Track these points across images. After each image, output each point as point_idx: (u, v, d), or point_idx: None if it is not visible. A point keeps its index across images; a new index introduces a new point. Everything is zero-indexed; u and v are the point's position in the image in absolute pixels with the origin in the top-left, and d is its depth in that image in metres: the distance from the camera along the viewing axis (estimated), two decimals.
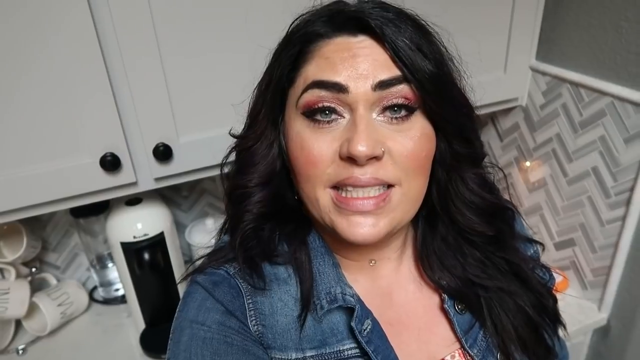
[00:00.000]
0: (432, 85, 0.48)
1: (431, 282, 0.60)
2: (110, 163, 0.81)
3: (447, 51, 0.53)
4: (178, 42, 0.81)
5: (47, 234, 1.19)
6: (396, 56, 0.47)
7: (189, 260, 1.24)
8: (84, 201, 0.86)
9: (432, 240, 0.60)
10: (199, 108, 0.87)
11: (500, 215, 0.60)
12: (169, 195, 1.26)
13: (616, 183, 1.03)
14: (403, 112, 0.49)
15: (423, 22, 0.51)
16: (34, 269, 1.16)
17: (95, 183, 0.83)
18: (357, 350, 0.54)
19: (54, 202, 0.83)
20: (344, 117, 0.49)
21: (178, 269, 1.10)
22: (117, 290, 1.23)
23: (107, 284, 1.23)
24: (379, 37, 0.48)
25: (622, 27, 0.97)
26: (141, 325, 1.11)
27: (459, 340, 0.58)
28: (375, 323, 0.55)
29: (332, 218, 0.50)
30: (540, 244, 0.67)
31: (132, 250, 1.02)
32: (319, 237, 0.58)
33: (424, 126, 0.50)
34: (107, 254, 1.22)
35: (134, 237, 1.01)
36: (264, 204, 0.55)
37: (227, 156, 0.60)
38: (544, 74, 1.14)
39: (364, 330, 0.54)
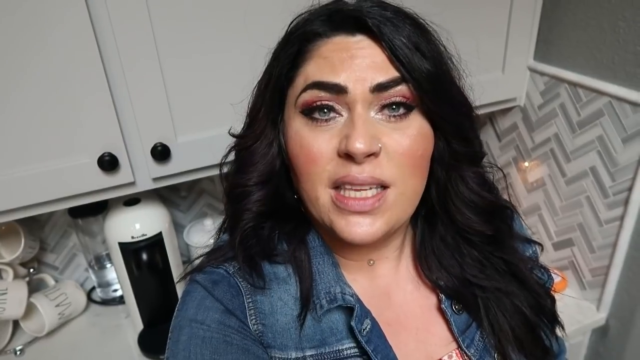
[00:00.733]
0: (430, 84, 0.48)
1: (429, 282, 0.60)
2: (108, 163, 0.81)
3: (445, 50, 0.53)
4: (176, 41, 0.80)
5: (45, 234, 1.18)
6: (393, 55, 0.47)
7: (187, 260, 1.24)
8: (82, 201, 0.86)
9: (431, 240, 0.60)
10: (196, 108, 0.87)
11: (499, 214, 0.60)
12: (167, 196, 1.25)
13: (614, 183, 1.03)
14: (401, 110, 0.49)
15: (422, 21, 0.51)
16: (31, 270, 1.16)
17: (93, 183, 0.83)
18: (357, 350, 0.54)
19: (51, 202, 0.83)
20: (342, 115, 0.49)
21: (176, 270, 1.09)
22: (115, 290, 1.23)
23: (105, 285, 1.23)
24: (377, 37, 0.48)
25: (619, 27, 0.97)
26: (139, 325, 1.11)
27: (456, 340, 0.59)
28: (374, 323, 0.55)
29: (331, 217, 0.50)
30: (539, 244, 0.67)
31: (130, 250, 1.02)
32: (318, 237, 0.58)
33: (422, 125, 0.50)
34: (105, 254, 1.21)
35: (132, 238, 1.01)
36: (264, 202, 0.55)
37: (226, 155, 0.60)
38: (542, 74, 1.14)
39: (364, 329, 0.54)
